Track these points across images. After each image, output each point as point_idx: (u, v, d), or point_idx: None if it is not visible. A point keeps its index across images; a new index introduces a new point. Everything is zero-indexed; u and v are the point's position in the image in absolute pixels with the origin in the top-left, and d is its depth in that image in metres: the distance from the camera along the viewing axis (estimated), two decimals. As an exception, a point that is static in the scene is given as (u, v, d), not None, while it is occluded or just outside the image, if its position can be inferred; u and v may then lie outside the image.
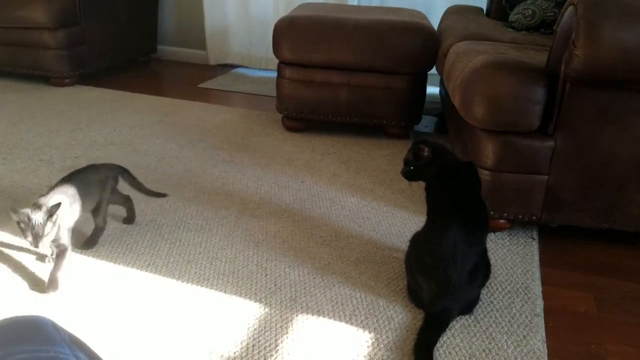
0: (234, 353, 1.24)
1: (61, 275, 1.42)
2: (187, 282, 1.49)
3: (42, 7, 3.11)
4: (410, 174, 1.41)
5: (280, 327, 1.33)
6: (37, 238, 1.34)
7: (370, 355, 1.25)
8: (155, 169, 2.21)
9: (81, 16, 3.27)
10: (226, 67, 4.04)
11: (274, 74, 2.68)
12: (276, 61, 2.62)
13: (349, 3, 3.58)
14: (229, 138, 2.59)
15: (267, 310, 1.39)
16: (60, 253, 1.44)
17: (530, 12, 2.47)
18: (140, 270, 1.54)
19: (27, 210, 1.33)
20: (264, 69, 3.96)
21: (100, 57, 3.51)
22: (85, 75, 3.42)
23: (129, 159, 2.29)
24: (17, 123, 2.68)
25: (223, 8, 3.89)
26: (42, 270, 1.50)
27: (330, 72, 2.53)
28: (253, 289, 1.47)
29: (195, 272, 1.54)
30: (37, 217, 1.33)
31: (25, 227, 1.33)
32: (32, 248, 1.37)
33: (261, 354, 1.24)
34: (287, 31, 2.51)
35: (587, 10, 1.42)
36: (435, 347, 1.27)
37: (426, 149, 1.36)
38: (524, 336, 1.33)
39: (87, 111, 2.90)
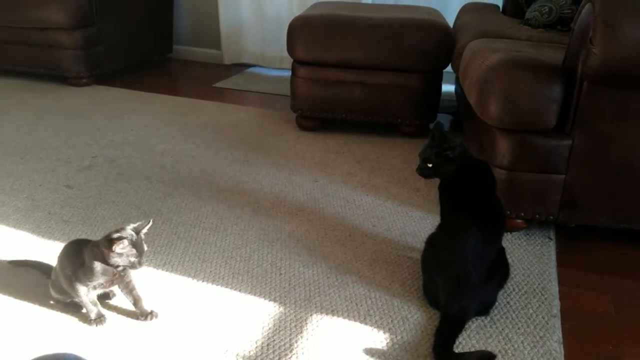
0: (249, 352, 1.25)
1: (146, 303, 1.36)
2: (203, 281, 1.50)
3: (59, 7, 3.14)
4: (428, 172, 1.40)
5: (295, 326, 1.33)
6: (142, 255, 1.25)
7: (384, 356, 1.25)
8: (171, 169, 2.22)
9: (98, 16, 3.30)
10: (241, 67, 4.05)
11: (288, 73, 2.68)
12: (290, 60, 2.62)
13: (363, 1, 3.57)
14: (244, 137, 2.60)
15: (281, 309, 1.39)
16: (133, 286, 1.35)
17: (547, 9, 2.45)
18: (157, 268, 1.55)
19: (127, 229, 1.24)
20: (278, 68, 3.96)
21: (116, 57, 3.53)
22: (102, 75, 3.45)
23: (145, 159, 2.31)
24: (35, 123, 2.72)
25: (238, 8, 3.90)
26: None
27: (344, 71, 2.52)
28: (267, 288, 1.48)
29: (211, 271, 1.55)
30: (133, 234, 1.24)
31: (132, 248, 1.23)
32: (131, 271, 1.30)
33: (276, 353, 1.25)
34: (301, 30, 2.51)
35: (604, 8, 1.40)
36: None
37: (455, 151, 1.35)
38: (540, 337, 1.32)
39: (104, 111, 2.93)
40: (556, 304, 1.45)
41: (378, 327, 1.34)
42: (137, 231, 1.26)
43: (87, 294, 1.29)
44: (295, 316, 1.37)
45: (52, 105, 3.00)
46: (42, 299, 1.40)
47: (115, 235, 1.23)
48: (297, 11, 3.62)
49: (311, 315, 1.37)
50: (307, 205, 1.94)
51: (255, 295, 1.45)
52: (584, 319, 1.41)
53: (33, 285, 1.44)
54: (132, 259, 1.25)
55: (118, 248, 1.22)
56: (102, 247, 1.24)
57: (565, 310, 1.43)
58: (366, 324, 1.35)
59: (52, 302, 1.38)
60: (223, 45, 4.04)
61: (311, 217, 1.86)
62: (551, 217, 1.69)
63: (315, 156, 2.39)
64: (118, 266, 1.26)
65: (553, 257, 1.66)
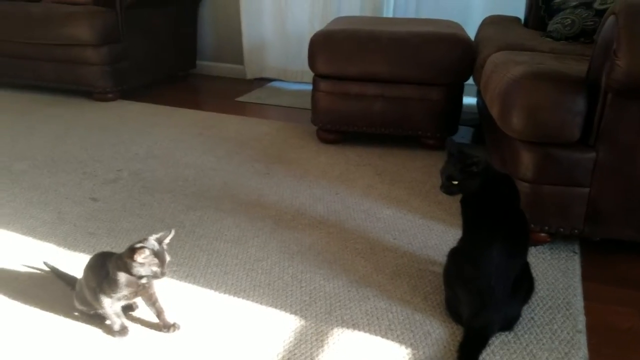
0: (270, 365, 1.25)
1: (168, 315, 1.37)
2: (224, 293, 1.51)
3: (85, 24, 3.23)
4: (453, 190, 1.37)
5: (316, 340, 1.33)
6: (164, 264, 1.27)
7: (406, 370, 1.24)
8: (194, 181, 2.25)
9: (123, 33, 3.37)
10: (263, 81, 4.09)
11: (310, 87, 2.70)
12: (312, 74, 2.65)
13: (384, 16, 3.59)
14: (265, 150, 2.62)
15: (302, 322, 1.39)
16: (156, 298, 1.38)
17: (570, 22, 2.43)
18: (179, 280, 1.56)
19: (150, 240, 1.27)
20: (299, 82, 3.99)
21: (141, 72, 3.61)
22: (127, 90, 3.52)
23: (169, 172, 2.34)
24: (62, 137, 2.78)
25: (260, 24, 3.96)
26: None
27: (365, 84, 2.53)
28: (288, 301, 1.48)
29: (232, 283, 1.56)
30: (155, 244, 1.27)
31: (154, 257, 1.25)
32: (153, 281, 1.31)
33: (297, 366, 1.25)
34: (322, 45, 2.53)
35: (628, 20, 1.38)
36: (473, 363, 1.25)
37: (480, 166, 1.32)
38: (565, 353, 1.29)
39: (129, 125, 2.98)
40: (581, 319, 1.42)
41: (400, 342, 1.33)
42: (160, 241, 1.28)
43: (111, 305, 1.31)
44: (316, 330, 1.37)
45: (78, 120, 3.07)
46: (66, 310, 1.42)
47: (138, 245, 1.25)
48: (318, 26, 3.67)
49: (332, 329, 1.37)
50: (328, 218, 1.95)
51: (276, 308, 1.45)
52: (610, 334, 1.38)
53: (58, 297, 1.47)
54: (154, 269, 1.26)
55: (140, 258, 1.24)
56: (125, 258, 1.26)
57: (590, 326, 1.40)
58: (387, 338, 1.34)
59: (76, 313, 1.41)
60: (245, 60, 4.10)
61: (332, 230, 1.86)
62: (576, 231, 1.67)
63: (335, 169, 2.40)
64: (141, 276, 1.27)
65: (578, 271, 1.63)
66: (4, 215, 1.94)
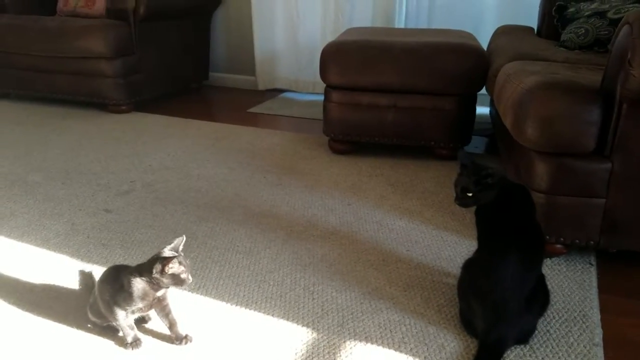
0: (282, 378, 1.24)
1: (180, 326, 1.37)
2: (236, 305, 1.51)
3: (99, 37, 3.27)
4: (469, 202, 1.35)
5: (328, 353, 1.32)
6: (189, 270, 1.29)
7: (420, 384, 1.22)
8: (207, 193, 2.25)
9: (137, 46, 3.41)
10: (274, 92, 4.11)
11: (321, 98, 2.70)
12: (323, 85, 2.65)
13: (396, 26, 3.59)
14: (277, 161, 2.62)
15: (314, 335, 1.38)
16: (169, 310, 1.37)
17: (583, 31, 2.41)
18: (191, 292, 1.56)
19: (166, 250, 1.29)
20: (311, 93, 4.00)
21: (155, 84, 3.64)
22: (140, 102, 3.55)
23: (182, 183, 2.35)
24: (76, 149, 2.81)
25: (272, 35, 3.98)
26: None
27: (377, 95, 2.53)
28: (300, 313, 1.47)
29: (244, 295, 1.55)
30: (175, 253, 1.29)
31: (180, 265, 1.27)
32: (184, 287, 1.31)
33: (309, 379, 1.24)
34: (334, 56, 2.54)
35: (643, 29, 1.37)
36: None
37: (495, 177, 1.31)
38: (582, 368, 1.27)
39: (143, 137, 3.01)
40: (598, 332, 1.39)
41: (413, 355, 1.31)
42: (176, 250, 1.29)
43: (125, 318, 1.31)
44: (328, 342, 1.36)
45: (92, 132, 3.10)
46: (80, 322, 1.42)
47: (163, 255, 1.25)
48: (330, 37, 3.67)
49: (344, 341, 1.36)
50: (340, 229, 1.94)
51: (287, 320, 1.44)
52: (628, 348, 1.36)
53: (72, 309, 1.47)
54: (183, 276, 1.27)
55: (171, 270, 1.25)
56: (154, 272, 1.26)
57: (607, 339, 1.37)
58: (401, 351, 1.33)
59: (89, 325, 1.41)
60: (257, 71, 4.12)
61: (344, 241, 1.85)
62: (592, 242, 1.65)
63: (347, 179, 2.39)
64: (169, 287, 1.28)
65: (594, 283, 1.61)
66: (18, 227, 1.96)
